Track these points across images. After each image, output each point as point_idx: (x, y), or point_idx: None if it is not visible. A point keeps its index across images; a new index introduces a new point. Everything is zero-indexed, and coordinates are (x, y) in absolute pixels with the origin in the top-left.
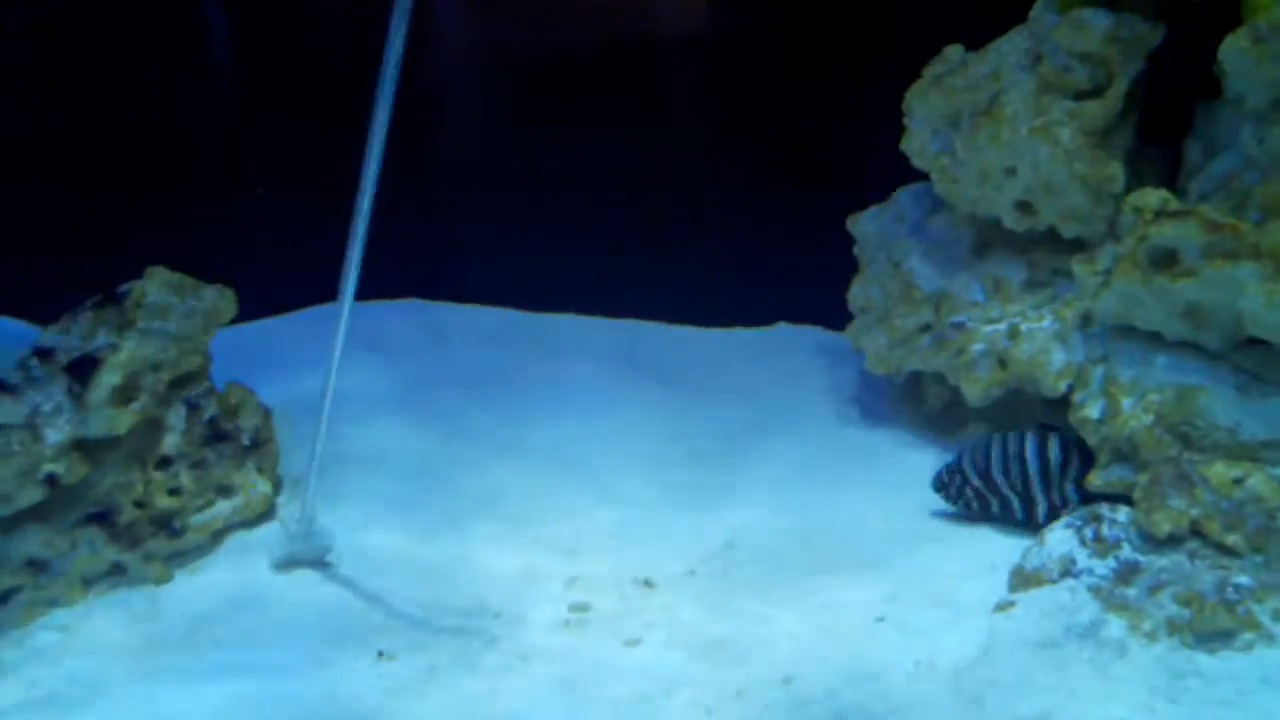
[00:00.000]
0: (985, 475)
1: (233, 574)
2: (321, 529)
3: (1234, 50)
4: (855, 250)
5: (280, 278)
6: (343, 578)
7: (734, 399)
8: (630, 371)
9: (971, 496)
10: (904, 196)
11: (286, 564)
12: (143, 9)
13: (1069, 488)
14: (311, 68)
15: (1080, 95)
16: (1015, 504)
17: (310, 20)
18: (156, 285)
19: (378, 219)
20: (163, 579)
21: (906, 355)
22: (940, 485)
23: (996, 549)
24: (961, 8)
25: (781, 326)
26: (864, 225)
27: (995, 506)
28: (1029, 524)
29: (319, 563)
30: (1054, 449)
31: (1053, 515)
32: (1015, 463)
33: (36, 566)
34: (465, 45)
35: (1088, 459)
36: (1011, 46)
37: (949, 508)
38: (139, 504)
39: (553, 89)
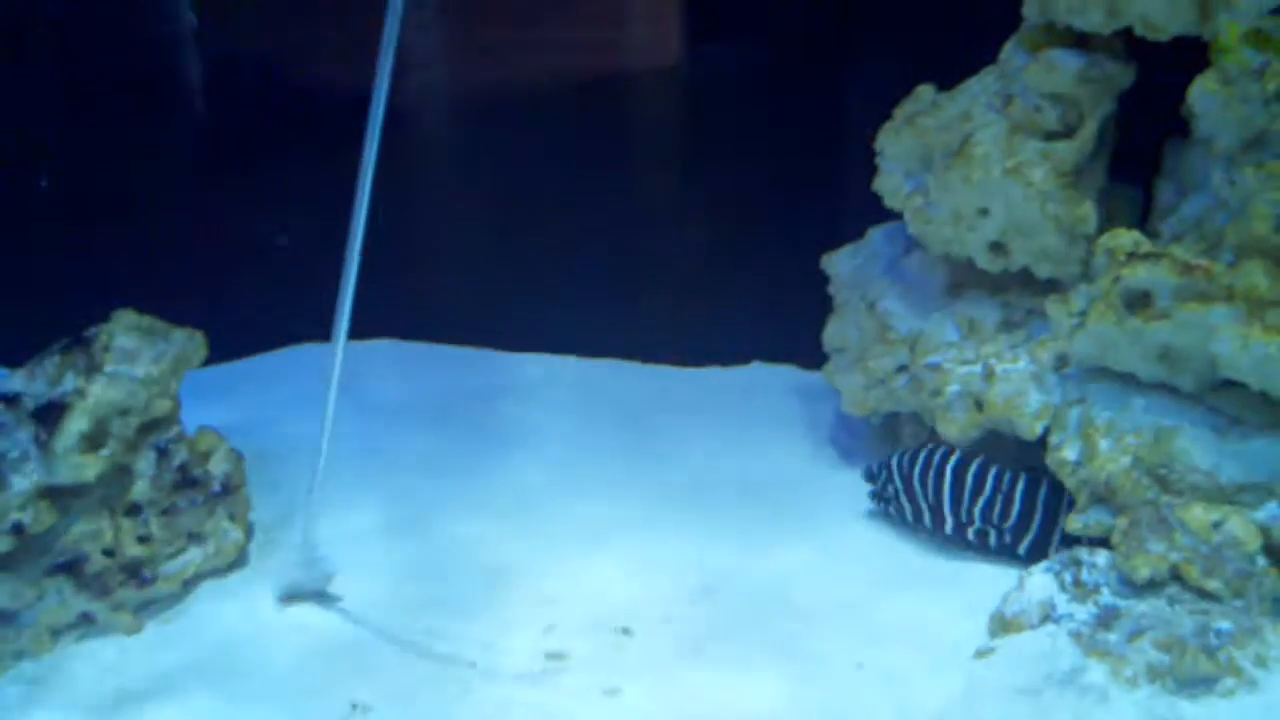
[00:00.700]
0: (907, 481)
1: (204, 623)
2: (323, 558)
3: (1203, 92)
4: (830, 289)
5: (250, 319)
6: (317, 624)
7: (710, 440)
8: (605, 412)
9: (892, 497)
10: (878, 236)
11: (290, 596)
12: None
13: (977, 511)
14: (276, 108)
15: (1051, 136)
16: (926, 516)
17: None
18: (124, 329)
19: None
20: (133, 629)
21: (883, 396)
22: (870, 477)
23: (976, 593)
24: (934, 46)
25: (757, 365)
26: (839, 264)
27: (909, 513)
28: (936, 534)
29: (321, 593)
30: (973, 470)
31: (960, 533)
32: (934, 476)
33: (3, 618)
34: (437, 83)
35: (1021, 487)
36: (983, 87)
37: (926, 551)
38: (108, 552)
39: (525, 126)
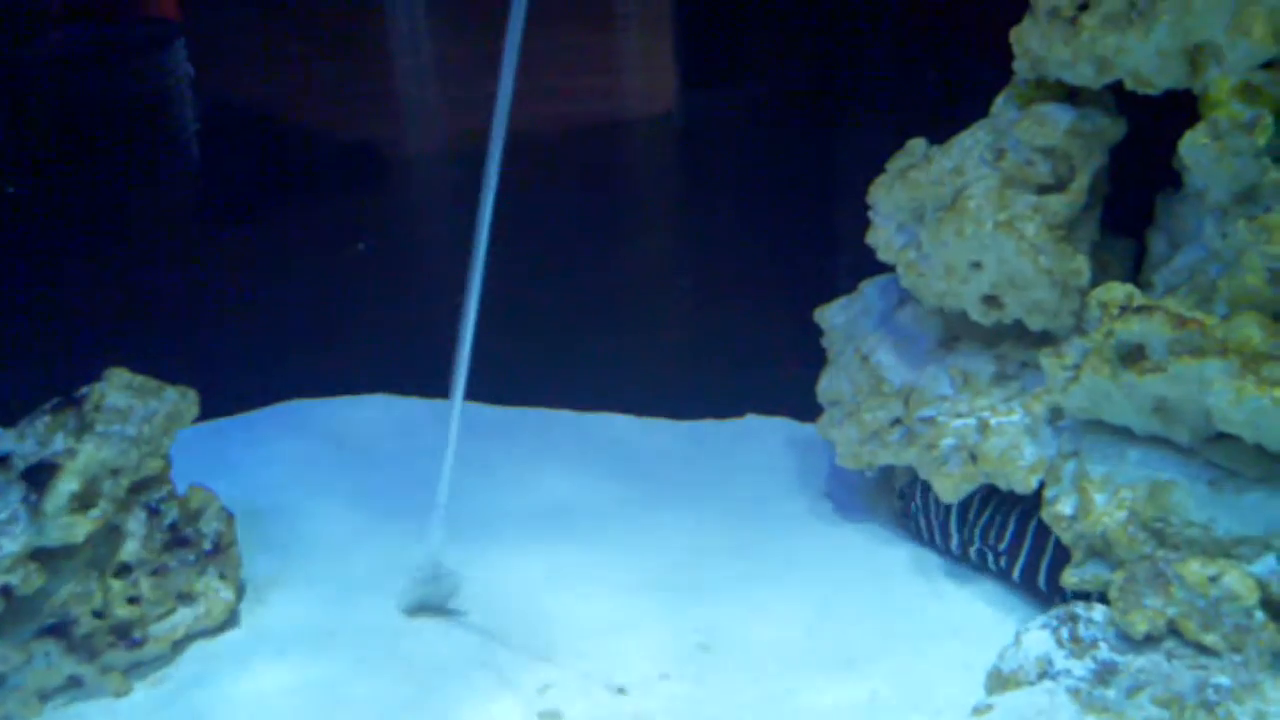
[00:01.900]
0: (925, 499)
1: (194, 685)
2: (450, 572)
3: (1194, 146)
4: (824, 341)
5: (240, 376)
6: (306, 686)
7: (705, 495)
8: (599, 466)
9: (914, 513)
10: (871, 289)
11: (416, 609)
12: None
13: (976, 532)
14: (271, 159)
15: (1043, 189)
16: (938, 536)
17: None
18: (116, 387)
19: (340, 310)
20: (122, 691)
21: (878, 450)
22: (901, 495)
23: (973, 648)
24: (927, 98)
25: (751, 417)
26: (832, 317)
27: (925, 532)
28: (946, 553)
29: (446, 607)
30: (978, 495)
31: (964, 550)
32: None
33: None
34: (433, 136)
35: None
36: (974, 140)
37: (923, 605)
38: (97, 614)
39: (516, 176)
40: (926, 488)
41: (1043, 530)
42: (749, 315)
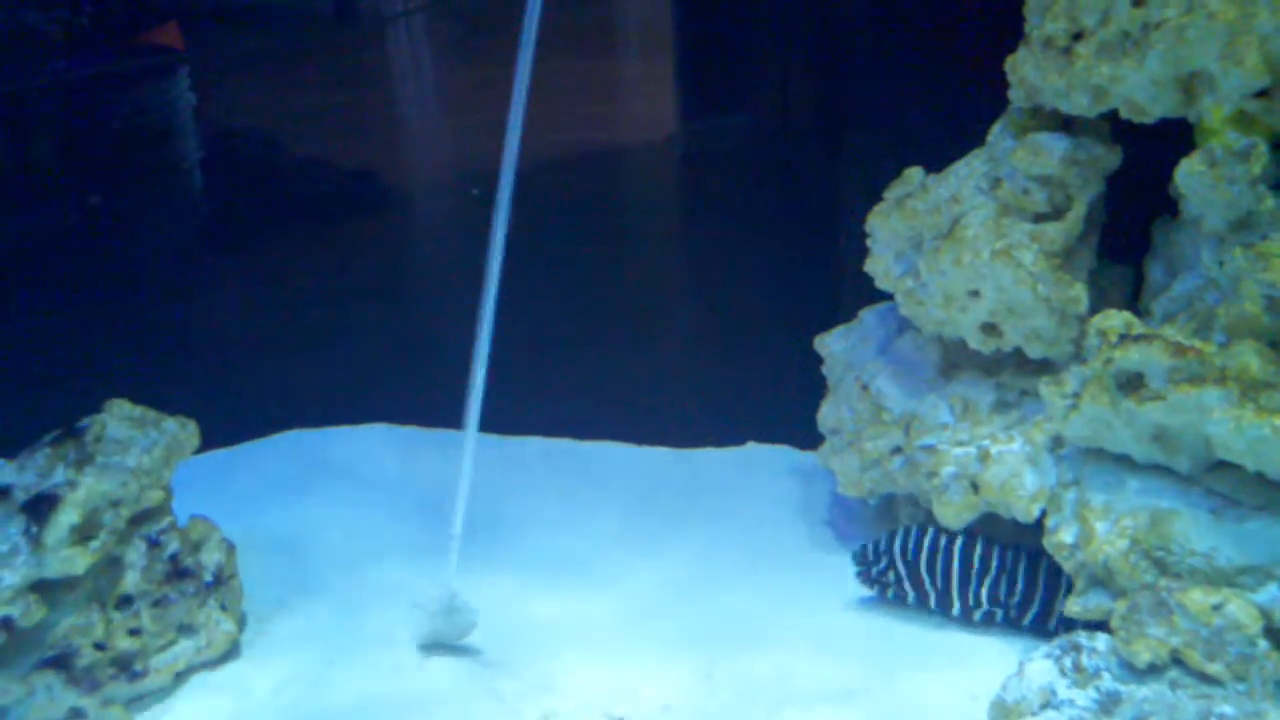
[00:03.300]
0: (912, 565)
1: (195, 718)
2: (465, 608)
3: (1189, 174)
4: (824, 370)
5: (240, 407)
6: (311, 716)
7: (706, 522)
8: (599, 495)
9: (893, 582)
10: (870, 317)
11: (431, 644)
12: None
13: (984, 592)
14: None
15: (1040, 218)
16: (933, 599)
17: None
18: (117, 419)
19: (340, 339)
20: None
21: (879, 478)
22: (861, 560)
23: (977, 678)
24: (925, 127)
25: (752, 446)
26: (832, 345)
27: (912, 597)
28: (945, 614)
29: (461, 643)
30: (978, 551)
31: (966, 614)
32: (942, 556)
33: None
34: (435, 162)
35: (1023, 567)
36: (970, 169)
37: (925, 634)
38: (98, 646)
39: (516, 203)
40: (914, 551)
41: (1053, 578)
42: (749, 343)
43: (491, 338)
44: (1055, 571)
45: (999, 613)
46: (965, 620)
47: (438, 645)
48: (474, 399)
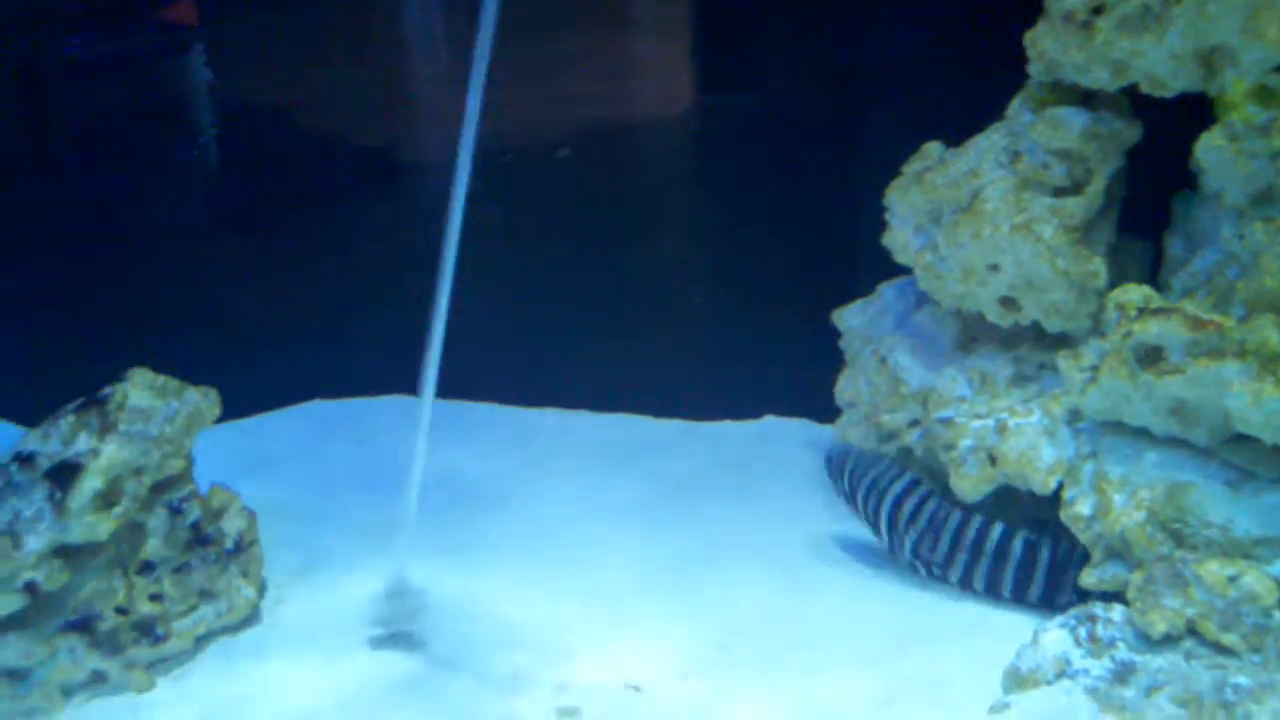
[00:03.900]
0: (853, 490)
1: (216, 681)
2: (416, 593)
3: (1210, 148)
4: (841, 344)
5: (261, 376)
6: (326, 683)
7: (723, 494)
8: (617, 468)
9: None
10: (889, 291)
11: (381, 625)
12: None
13: (908, 542)
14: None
15: (1059, 192)
16: (869, 526)
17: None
18: (139, 388)
19: (360, 310)
20: (144, 687)
21: (896, 451)
22: (830, 461)
23: (991, 646)
24: (943, 101)
25: (770, 419)
26: (850, 319)
27: (859, 512)
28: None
29: (409, 629)
30: (914, 499)
31: (895, 551)
32: (874, 497)
33: (15, 676)
34: (449, 137)
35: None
36: (990, 143)
37: (941, 603)
38: (120, 610)
39: (534, 180)
40: (857, 478)
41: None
42: (768, 317)
43: (448, 309)
44: (983, 534)
45: (921, 568)
46: (895, 555)
47: (387, 628)
48: (430, 372)
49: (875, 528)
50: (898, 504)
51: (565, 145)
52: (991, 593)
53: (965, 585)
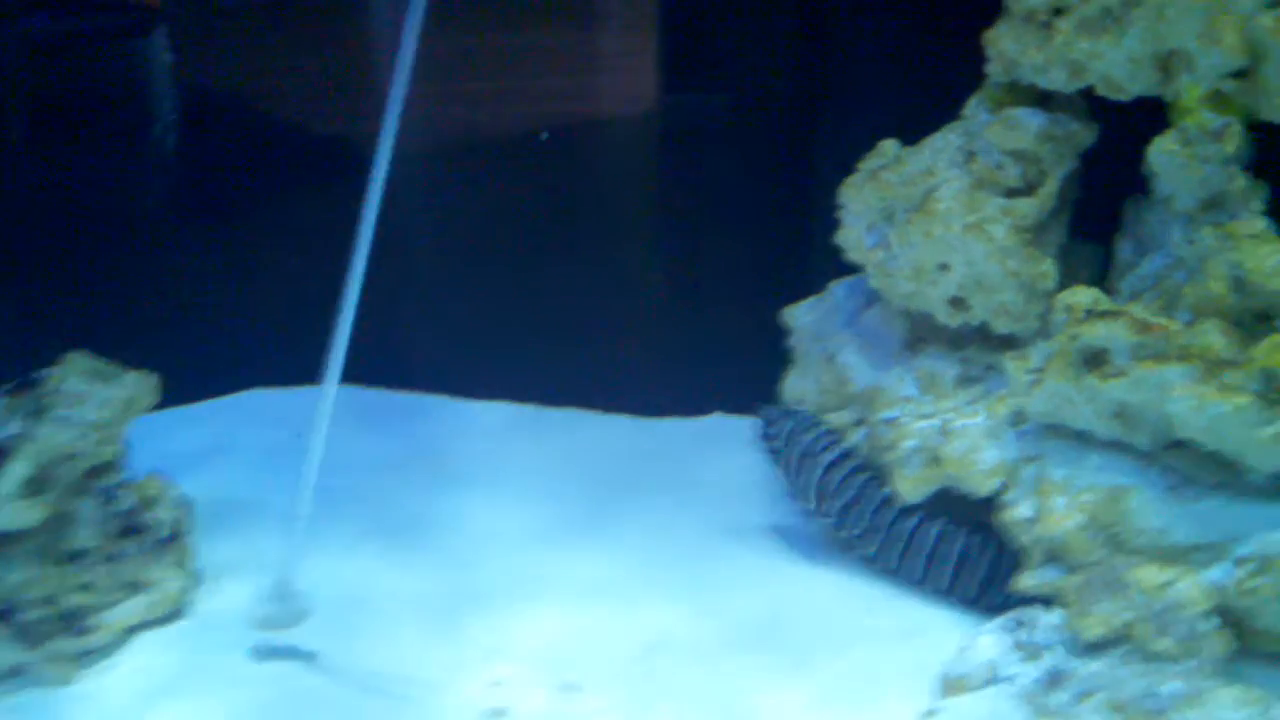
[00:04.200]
0: (787, 454)
1: (143, 675)
2: (300, 594)
3: (1163, 152)
4: (790, 342)
5: (203, 364)
6: (255, 675)
7: (668, 492)
8: (562, 463)
9: (775, 453)
10: (839, 289)
11: (262, 625)
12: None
13: (834, 509)
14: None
15: (1013, 193)
16: (796, 490)
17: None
18: (75, 372)
19: (304, 299)
20: (67, 680)
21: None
22: (763, 423)
23: (926, 651)
24: (900, 101)
25: (717, 416)
26: (799, 317)
27: (784, 476)
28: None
29: (292, 628)
30: (845, 469)
31: (821, 515)
32: (807, 464)
33: None
34: (406, 130)
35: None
36: (945, 143)
37: (880, 602)
38: (47, 600)
39: (487, 173)
40: (793, 448)
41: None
42: (717, 314)
43: (358, 294)
44: (902, 516)
45: (843, 534)
46: (823, 517)
47: (267, 628)
48: (335, 358)
49: (803, 492)
50: (828, 471)
51: (542, 131)
52: (904, 575)
53: (881, 563)
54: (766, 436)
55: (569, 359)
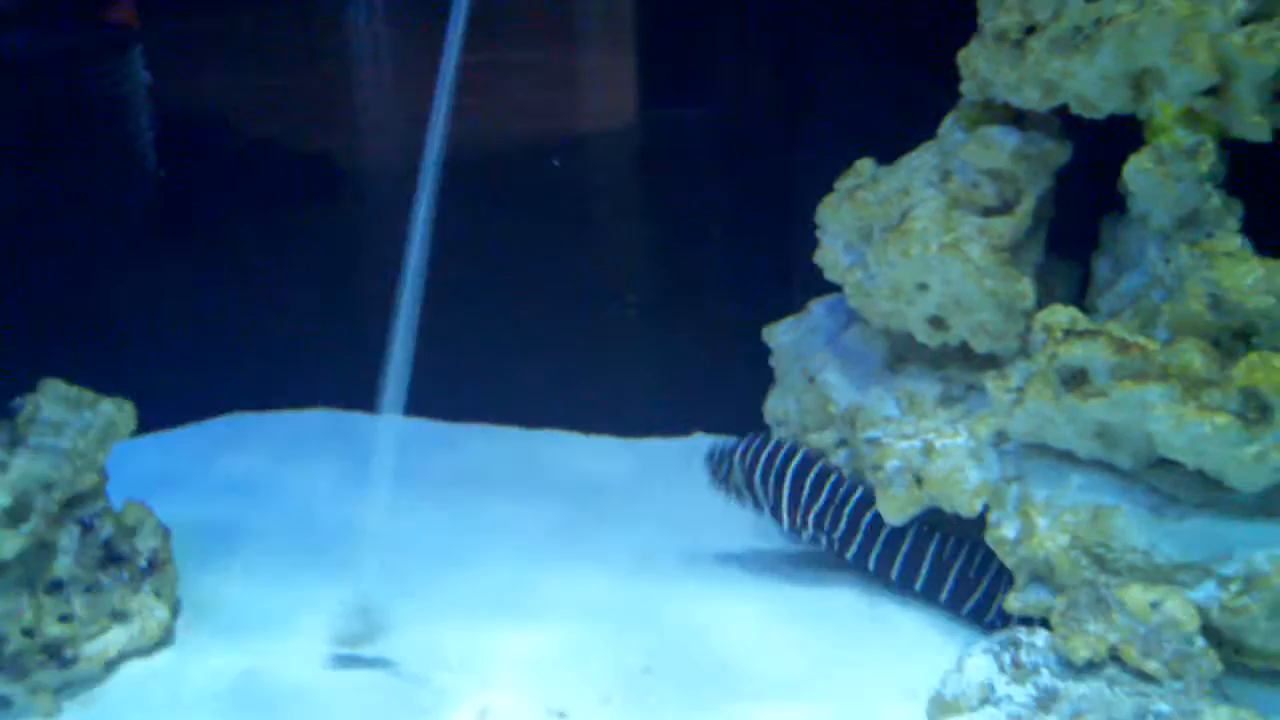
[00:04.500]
0: (749, 475)
1: (126, 706)
2: (378, 608)
3: (1138, 170)
4: (771, 361)
5: (182, 388)
6: (241, 701)
7: (651, 512)
8: (545, 485)
9: (735, 486)
10: (819, 308)
11: (343, 642)
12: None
13: (810, 518)
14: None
15: (989, 212)
16: (766, 508)
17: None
18: (51, 400)
19: (284, 322)
20: (51, 712)
21: None
22: (712, 463)
23: (917, 673)
24: (877, 120)
25: (699, 436)
26: (780, 336)
27: (750, 502)
28: (777, 523)
29: (371, 642)
30: (813, 474)
31: (795, 531)
32: (775, 474)
33: None
34: (388, 148)
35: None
36: (921, 162)
37: (867, 624)
38: (27, 632)
39: (468, 190)
40: (751, 461)
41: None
42: (698, 334)
43: (415, 325)
44: (875, 525)
45: (824, 539)
46: (795, 535)
47: (347, 644)
48: (395, 383)
49: (775, 510)
50: (798, 481)
51: (554, 154)
52: (880, 574)
53: (858, 563)
54: (720, 478)
55: (549, 379)
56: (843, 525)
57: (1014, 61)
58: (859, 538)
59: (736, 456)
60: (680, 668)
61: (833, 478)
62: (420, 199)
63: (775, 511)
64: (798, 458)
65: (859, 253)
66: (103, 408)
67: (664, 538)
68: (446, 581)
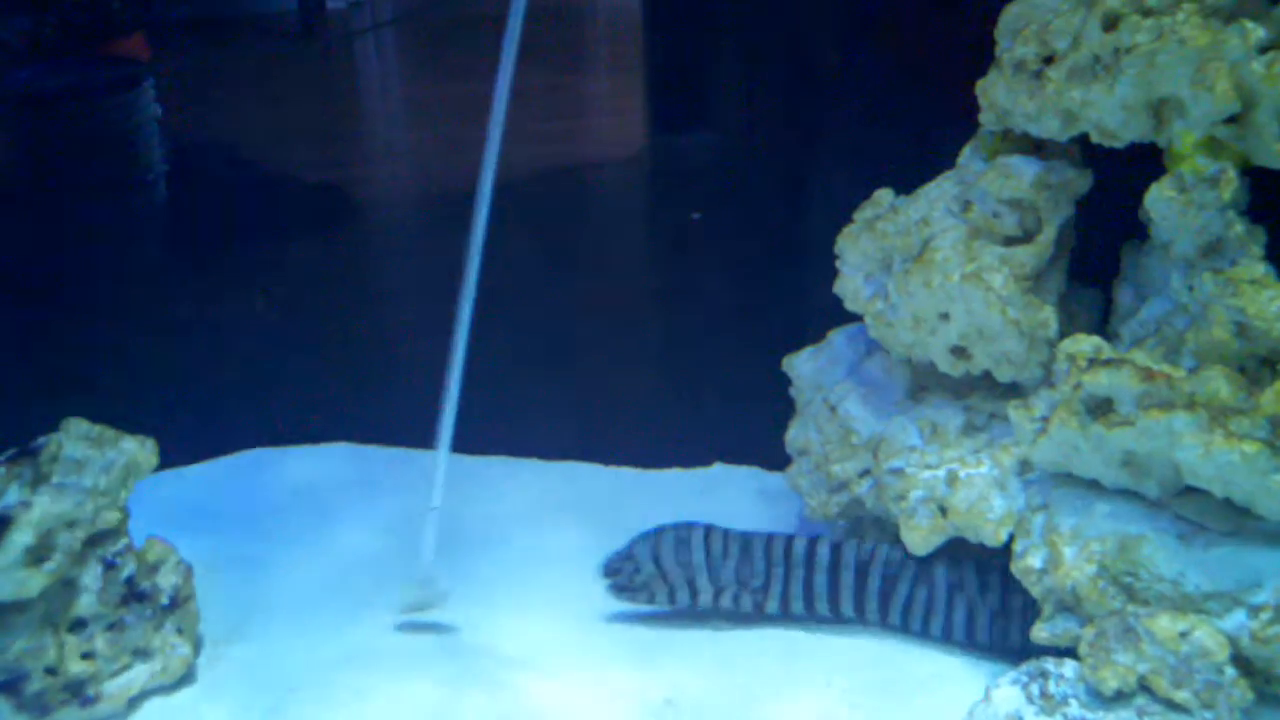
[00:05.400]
0: (657, 562)
1: None
2: (439, 577)
3: (1160, 198)
4: (792, 391)
5: (202, 424)
6: None
7: None
8: (565, 517)
9: (644, 583)
10: (839, 338)
11: (409, 610)
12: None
13: (727, 575)
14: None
15: (1010, 241)
16: (683, 593)
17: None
18: (73, 438)
19: (302, 357)
20: None
21: (847, 501)
22: (611, 573)
23: (942, 704)
24: (896, 148)
25: (719, 467)
26: (800, 366)
27: (664, 594)
28: (694, 608)
29: (437, 608)
30: (716, 542)
31: (716, 598)
32: (683, 550)
33: None
34: (401, 178)
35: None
36: (941, 192)
37: (891, 659)
38: (50, 670)
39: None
40: (657, 549)
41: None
42: (718, 364)
43: (465, 355)
44: (790, 556)
45: (746, 597)
46: (715, 606)
47: (414, 610)
48: (448, 411)
49: (690, 584)
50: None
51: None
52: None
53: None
54: (625, 586)
55: (567, 411)
56: (759, 575)
57: (1033, 91)
58: (776, 591)
59: (638, 550)
60: (703, 699)
61: (736, 537)
62: (473, 231)
63: (692, 587)
64: (700, 530)
65: (879, 283)
66: (125, 445)
67: None
68: (465, 614)
